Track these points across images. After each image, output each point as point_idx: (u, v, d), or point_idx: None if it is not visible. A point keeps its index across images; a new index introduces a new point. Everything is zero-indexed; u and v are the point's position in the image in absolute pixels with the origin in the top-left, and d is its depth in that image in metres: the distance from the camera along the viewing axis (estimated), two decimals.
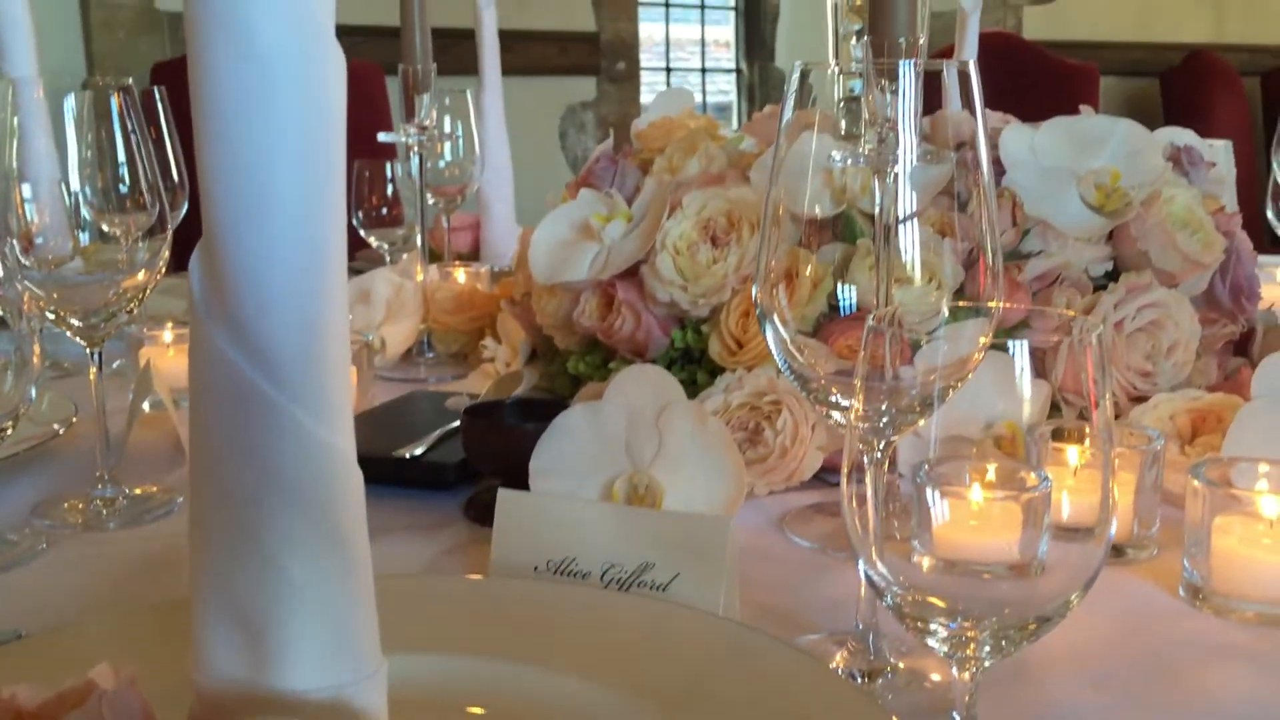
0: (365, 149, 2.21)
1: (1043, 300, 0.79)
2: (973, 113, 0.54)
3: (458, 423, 0.80)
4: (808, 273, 0.78)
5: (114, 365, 1.04)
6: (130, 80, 0.80)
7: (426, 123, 1.07)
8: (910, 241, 0.80)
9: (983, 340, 0.59)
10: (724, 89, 4.00)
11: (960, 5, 1.74)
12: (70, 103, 0.74)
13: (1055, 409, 0.82)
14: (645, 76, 3.42)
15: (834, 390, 0.55)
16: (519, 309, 0.97)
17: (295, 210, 0.33)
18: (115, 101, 0.74)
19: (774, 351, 0.56)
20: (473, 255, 1.76)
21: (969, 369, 0.58)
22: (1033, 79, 2.49)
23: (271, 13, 0.32)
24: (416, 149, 1.08)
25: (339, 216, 0.35)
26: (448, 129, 1.43)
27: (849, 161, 0.65)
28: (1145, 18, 4.16)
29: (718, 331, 0.82)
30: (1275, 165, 1.47)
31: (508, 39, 3.00)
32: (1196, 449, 0.73)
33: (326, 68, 0.34)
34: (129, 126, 0.74)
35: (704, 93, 3.96)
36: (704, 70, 3.91)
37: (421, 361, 1.11)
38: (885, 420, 0.53)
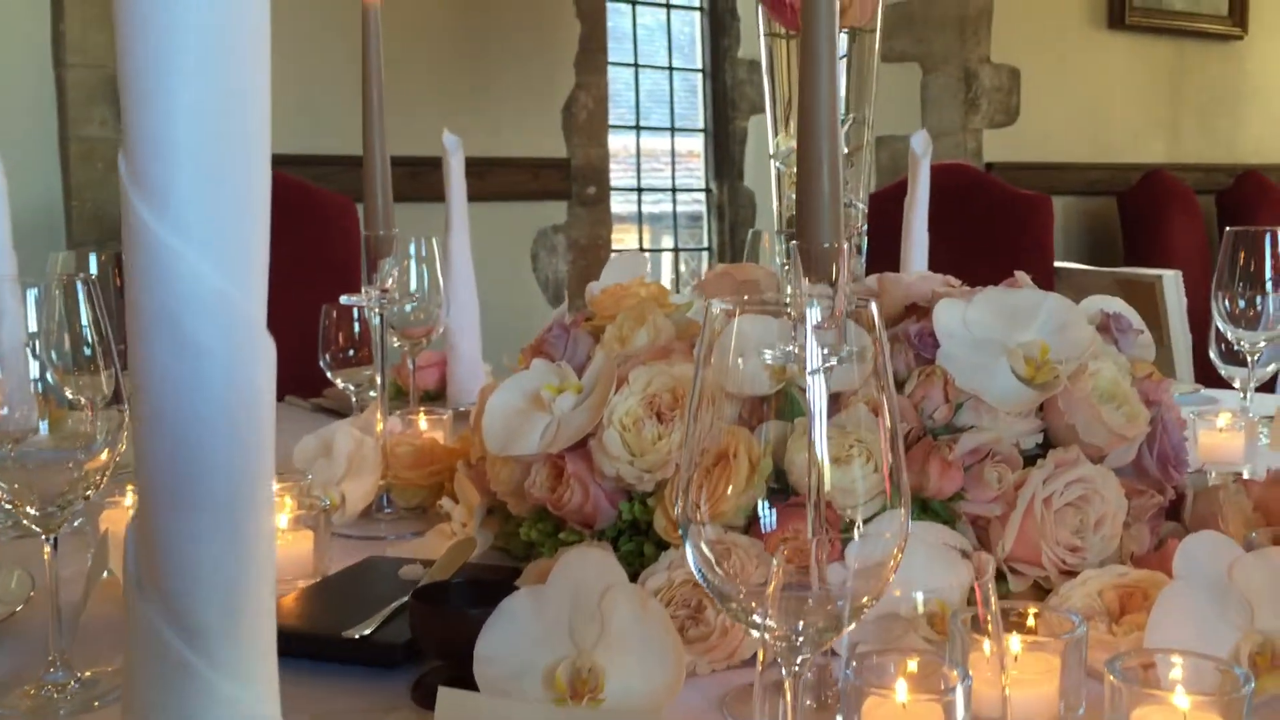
0: (337, 279, 2.25)
1: (974, 476, 0.82)
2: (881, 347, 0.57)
3: (421, 581, 0.82)
4: (744, 454, 0.81)
5: (75, 523, 1.06)
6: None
7: (388, 285, 1.11)
8: (847, 423, 0.83)
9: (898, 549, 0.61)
10: (698, 199, 4.10)
11: (911, 149, 1.81)
12: (34, 295, 0.76)
13: (1001, 578, 0.84)
14: (616, 197, 3.50)
15: (756, 606, 0.57)
16: (474, 471, 1.00)
17: (223, 495, 0.35)
18: (82, 291, 0.77)
19: (695, 563, 0.58)
20: (439, 393, 1.79)
21: (888, 572, 0.60)
22: (989, 209, 2.56)
23: (204, 311, 0.35)
24: (378, 310, 1.11)
25: (266, 491, 0.37)
26: (413, 285, 1.48)
27: (779, 361, 0.68)
28: (1102, 139, 4.29)
29: (663, 506, 0.84)
30: (1215, 310, 1.52)
31: (481, 165, 3.09)
32: (1123, 627, 0.75)
33: (255, 359, 0.37)
34: (96, 306, 0.77)
35: (674, 206, 4.05)
36: (674, 190, 4.00)
37: (381, 518, 1.13)
38: (802, 639, 0.55)
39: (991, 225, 2.54)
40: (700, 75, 3.98)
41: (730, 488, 0.80)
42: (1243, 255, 1.48)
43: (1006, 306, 0.93)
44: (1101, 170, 4.26)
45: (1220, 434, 1.31)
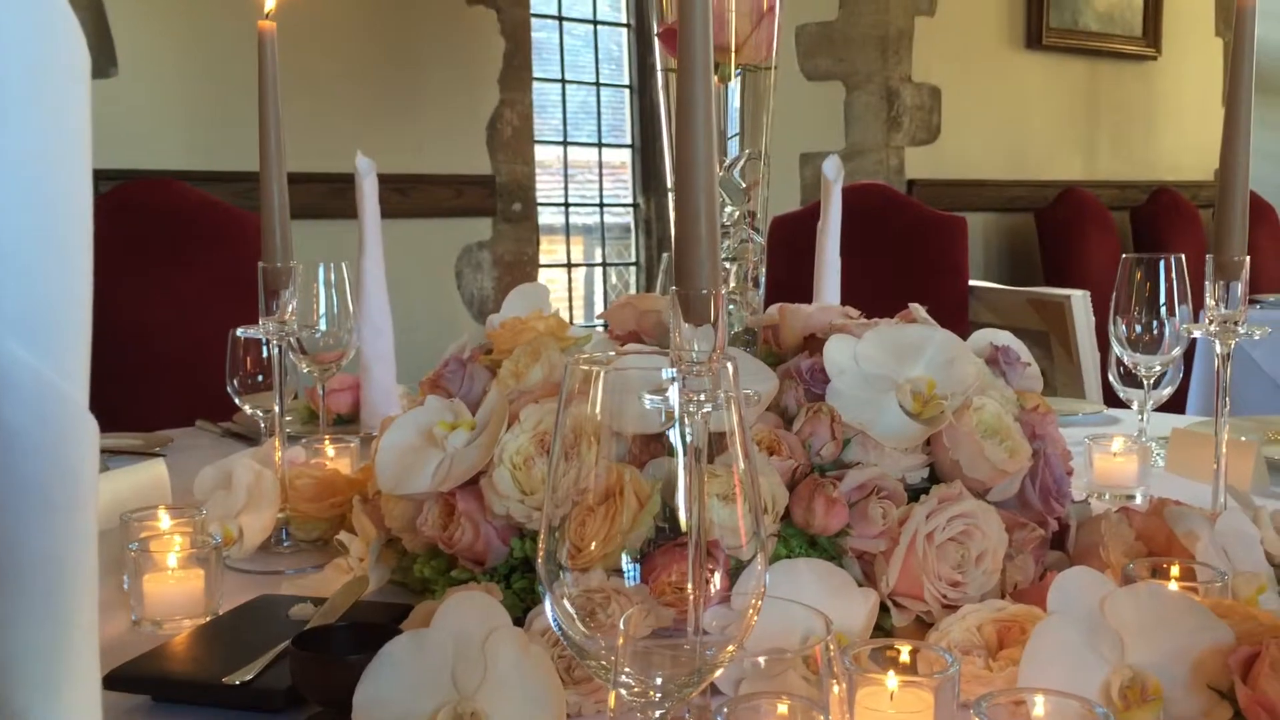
0: (248, 304, 2.21)
1: (860, 512, 0.84)
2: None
3: (306, 625, 0.81)
4: (632, 492, 0.81)
5: None
6: None
7: (286, 316, 1.10)
8: (736, 462, 0.83)
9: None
10: (626, 212, 4.12)
11: (824, 174, 1.84)
12: None
13: (885, 612, 0.86)
14: (544, 211, 3.49)
15: (627, 670, 0.57)
16: (370, 507, 0.99)
17: (41, 580, 0.35)
18: None
19: (555, 618, 0.58)
20: (352, 417, 1.77)
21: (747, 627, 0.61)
22: (906, 229, 2.60)
23: (18, 390, 0.35)
24: (276, 341, 1.10)
25: (87, 574, 0.37)
26: (322, 311, 1.47)
27: (656, 406, 0.68)
28: (1021, 156, 4.37)
29: (562, 537, 0.84)
30: (1112, 336, 1.55)
31: (405, 182, 3.08)
32: (1000, 663, 0.76)
33: (74, 441, 0.36)
34: None
35: (602, 218, 4.06)
36: (601, 205, 4.01)
37: (280, 551, 1.12)
38: (660, 695, 0.55)
39: (909, 245, 2.58)
40: (628, 91, 4.00)
41: (615, 527, 0.80)
42: (1139, 279, 1.52)
43: (896, 342, 0.95)
44: (1020, 187, 4.34)
45: (1115, 458, 1.35)
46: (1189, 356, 1.96)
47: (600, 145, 3.98)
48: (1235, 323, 1.03)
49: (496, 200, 3.21)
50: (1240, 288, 1.03)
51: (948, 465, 0.89)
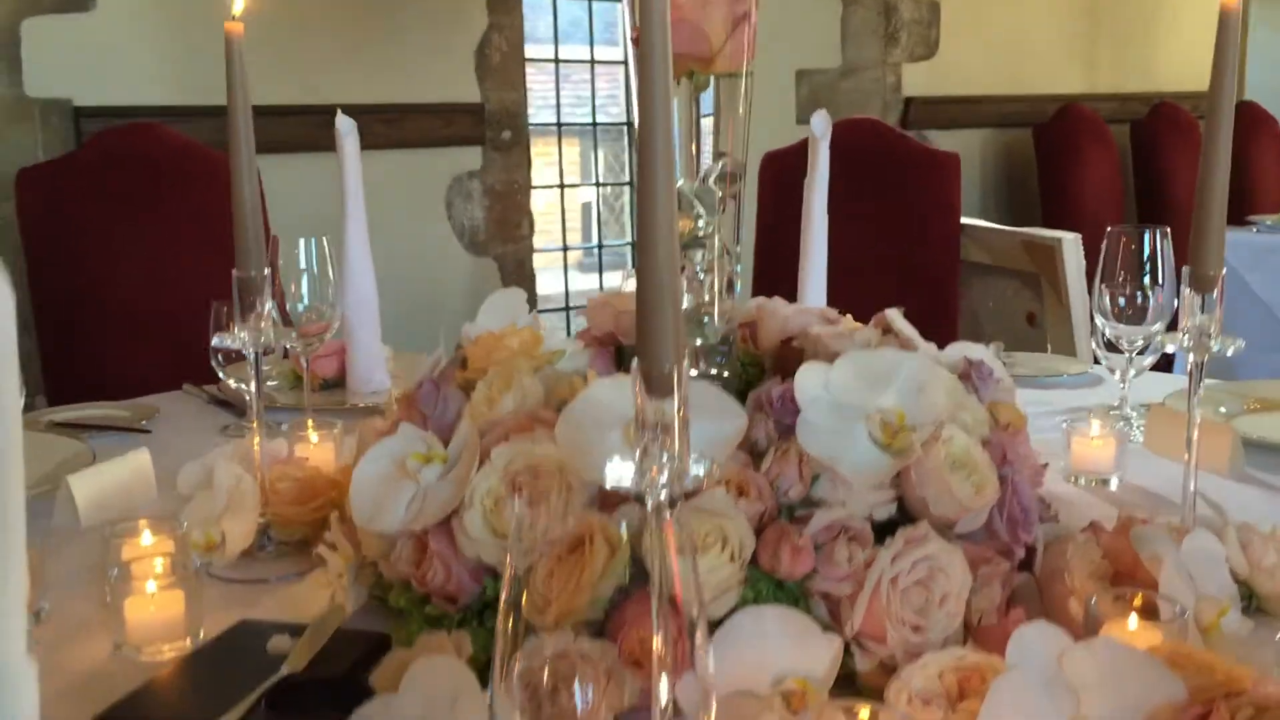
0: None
1: (825, 555, 0.85)
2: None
3: (278, 674, 0.83)
4: (601, 541, 0.82)
5: None
6: None
7: (261, 325, 1.10)
8: (704, 503, 0.84)
9: None
10: (619, 109, 4.07)
11: (811, 130, 1.81)
12: None
13: (849, 653, 0.87)
14: (536, 117, 3.43)
15: None
16: (347, 527, 1.00)
17: None
18: None
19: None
20: (339, 381, 1.78)
21: None
22: (899, 167, 2.57)
23: None
24: (253, 350, 1.10)
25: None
26: (305, 286, 1.46)
27: (618, 486, 0.68)
28: (1020, 71, 4.30)
29: (527, 588, 0.85)
30: (1096, 309, 1.55)
31: (393, 112, 3.03)
32: (959, 715, 0.78)
33: None
34: None
35: (595, 142, 4.01)
36: (594, 125, 3.96)
37: (262, 557, 1.13)
38: None
39: (901, 181, 2.56)
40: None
41: (585, 577, 0.81)
42: (1124, 251, 1.51)
43: (868, 369, 0.95)
44: (1019, 102, 4.28)
45: (1092, 442, 1.35)
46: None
47: (592, 52, 3.90)
48: (1209, 335, 1.03)
49: (486, 128, 3.16)
50: (1216, 300, 1.02)
51: (915, 501, 0.89)
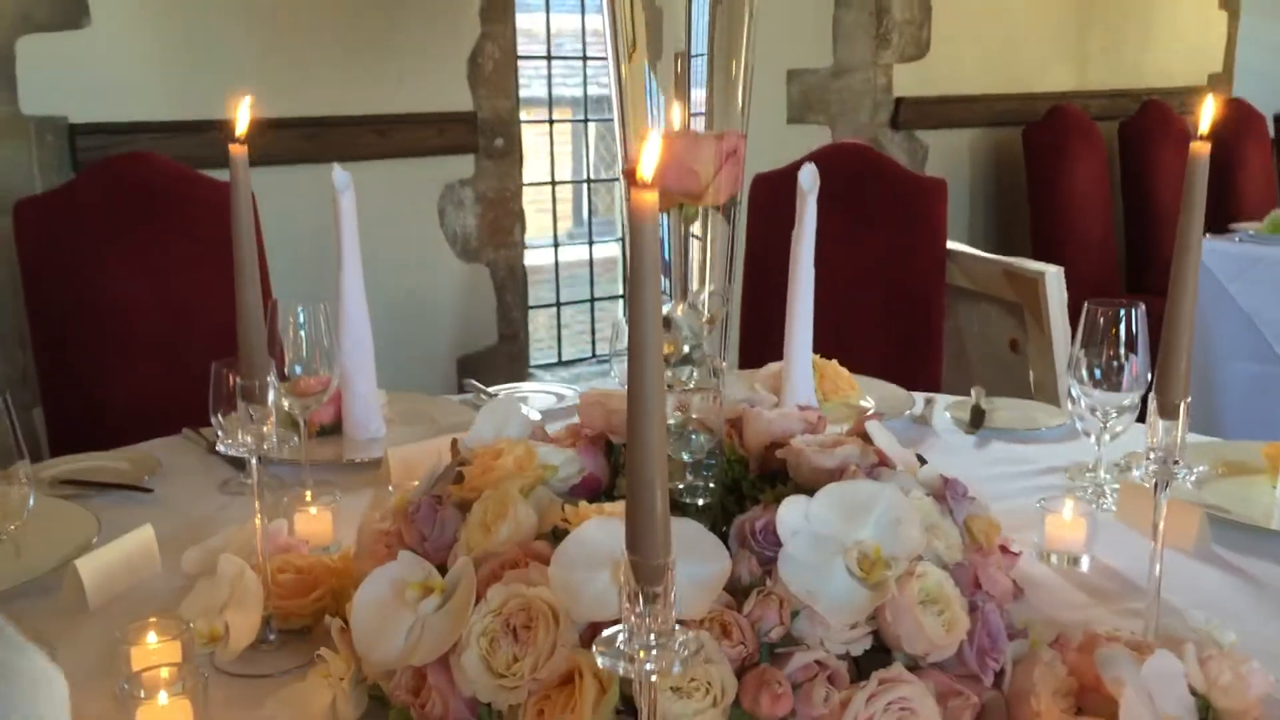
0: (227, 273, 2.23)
1: (804, 695, 0.90)
2: None
3: None
4: (590, 679, 0.87)
5: None
6: None
7: (265, 429, 1.14)
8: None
9: None
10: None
11: (799, 184, 1.84)
12: None
13: None
14: (527, 133, 3.44)
15: None
16: (348, 635, 1.05)
17: None
18: None
19: None
20: (335, 427, 1.82)
21: None
22: (886, 192, 2.60)
23: None
24: (255, 455, 1.14)
25: None
26: (303, 352, 1.50)
27: (612, 667, 0.73)
28: (1011, 70, 4.32)
29: (527, 714, 0.90)
30: (1071, 378, 1.59)
31: (385, 123, 3.05)
32: None
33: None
34: None
35: (586, 136, 4.03)
36: (586, 120, 3.97)
37: (265, 649, 1.17)
38: None
39: (888, 207, 2.59)
40: None
41: (575, 714, 0.86)
42: (1102, 326, 1.55)
43: (846, 501, 0.99)
44: (1010, 101, 4.30)
45: (1064, 523, 1.40)
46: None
47: (585, 57, 3.91)
48: (1174, 459, 1.07)
49: (479, 137, 3.18)
50: (1180, 427, 1.06)
51: (890, 635, 0.94)
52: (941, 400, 1.98)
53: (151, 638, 1.09)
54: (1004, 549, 1.21)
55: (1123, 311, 1.55)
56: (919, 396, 1.97)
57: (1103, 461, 1.62)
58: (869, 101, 4.01)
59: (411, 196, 3.12)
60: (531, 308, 3.58)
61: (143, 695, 1.01)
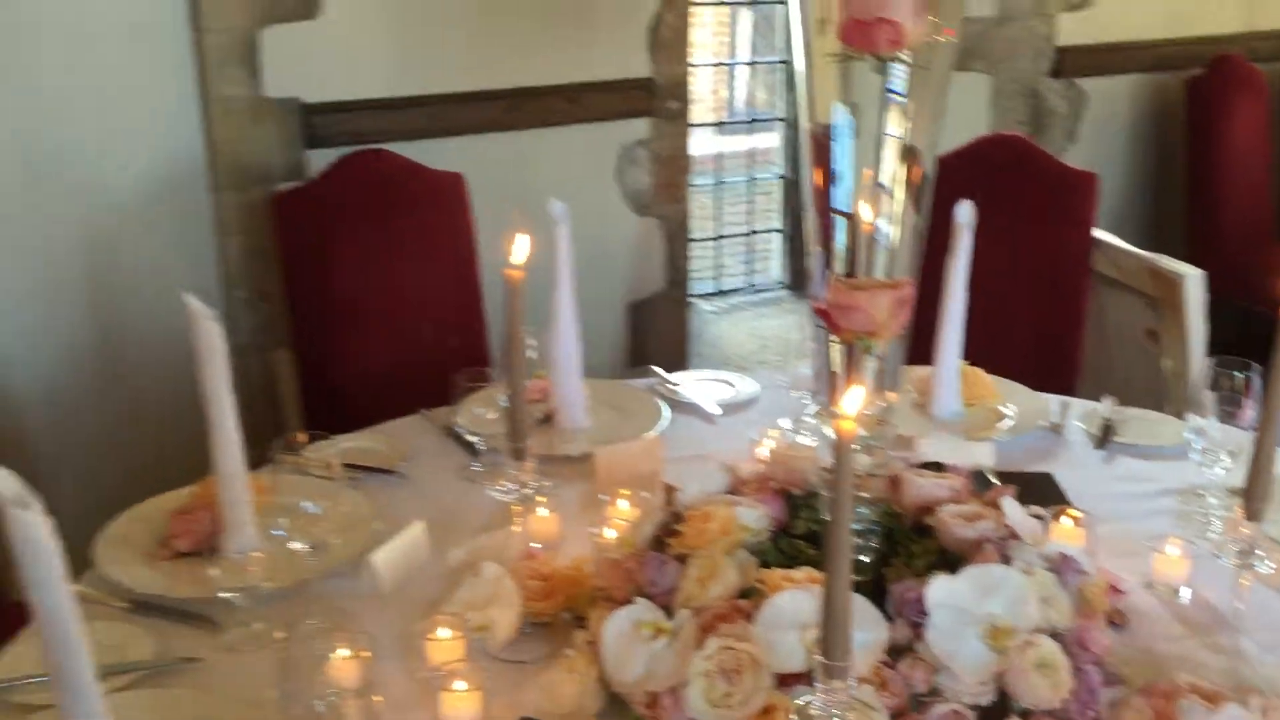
0: (452, 255, 2.60)
1: None
2: None
3: None
4: (783, 714, 1.19)
5: None
6: None
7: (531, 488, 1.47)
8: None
9: None
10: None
11: (956, 219, 2.08)
12: None
13: None
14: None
15: None
16: (588, 650, 1.38)
17: None
18: None
19: None
20: (546, 418, 2.15)
21: None
22: (1035, 186, 2.79)
23: None
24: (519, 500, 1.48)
25: None
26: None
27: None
28: (1176, 14, 4.32)
29: None
30: (1191, 429, 1.81)
31: (575, 91, 3.33)
32: None
33: None
34: None
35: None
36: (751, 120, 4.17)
37: (521, 638, 1.52)
38: None
39: (1039, 197, 2.77)
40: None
41: None
42: (1224, 382, 1.76)
43: (981, 582, 1.28)
44: (1173, 46, 4.31)
45: (1170, 560, 1.66)
46: None
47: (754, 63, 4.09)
48: (1257, 551, 1.33)
49: (655, 100, 3.43)
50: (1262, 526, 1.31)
51: (1009, 691, 1.24)
52: (1076, 408, 2.21)
53: (443, 633, 1.45)
54: (1113, 588, 1.49)
55: (1242, 373, 1.76)
56: (1054, 402, 2.21)
57: (1214, 490, 1.84)
58: (1029, 50, 4.09)
59: (594, 157, 3.41)
60: (691, 240, 3.84)
61: (443, 684, 1.37)
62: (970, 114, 4.03)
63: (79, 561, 1.56)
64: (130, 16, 2.67)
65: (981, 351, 2.21)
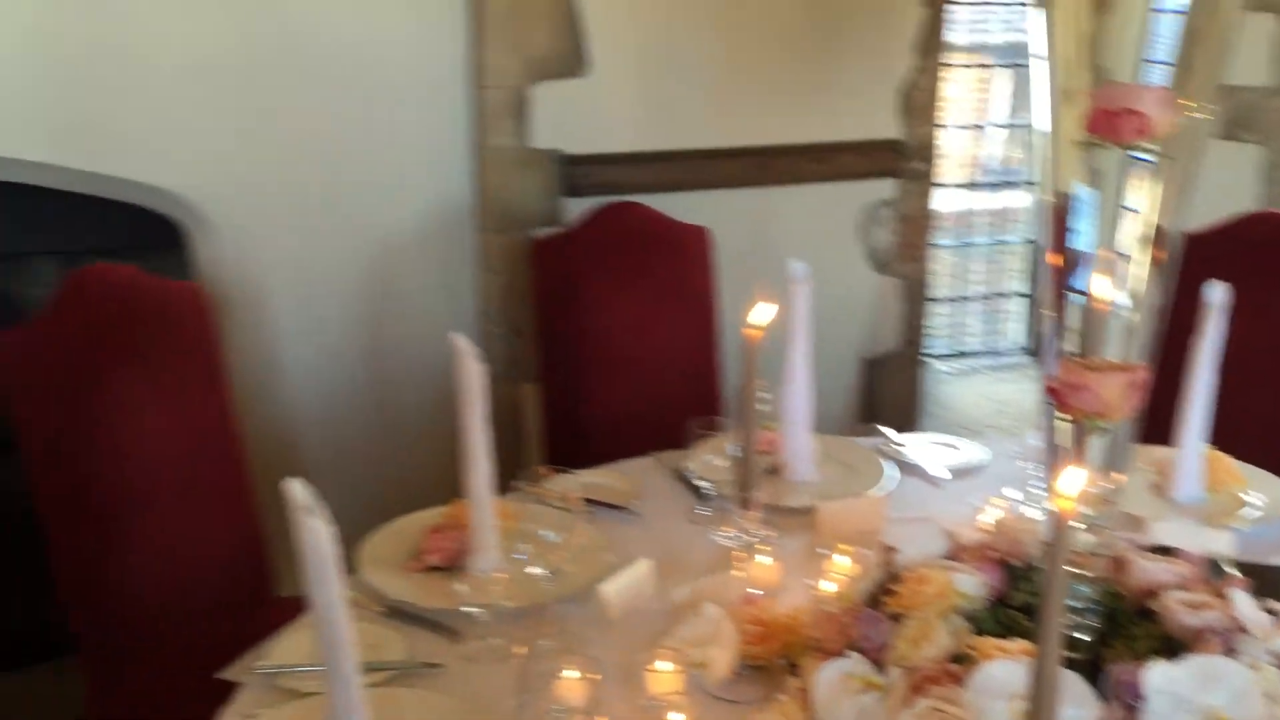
0: (698, 306, 2.72)
1: None
2: None
3: None
4: None
5: None
6: None
7: (754, 536, 1.55)
8: None
9: None
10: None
11: (1207, 300, 2.04)
12: None
13: None
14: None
15: None
16: (801, 693, 1.45)
17: None
18: None
19: None
20: (773, 469, 2.23)
21: None
22: None
23: None
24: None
25: None
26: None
27: None
28: None
29: None
30: None
31: (820, 150, 3.41)
32: None
33: None
34: None
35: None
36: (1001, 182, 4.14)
37: (736, 678, 1.60)
38: None
39: None
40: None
41: None
42: None
43: (1204, 672, 1.28)
44: None
45: None
46: None
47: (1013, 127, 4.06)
48: None
49: (901, 161, 3.47)
50: None
51: None
52: None
53: (664, 665, 1.54)
54: None
55: None
56: None
57: None
58: None
59: (836, 214, 3.47)
60: (930, 299, 3.84)
61: (661, 714, 1.46)
62: (1236, 186, 3.87)
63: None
64: (423, 76, 2.93)
65: (1228, 434, 2.15)
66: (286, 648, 1.66)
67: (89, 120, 2.66)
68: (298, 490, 1.36)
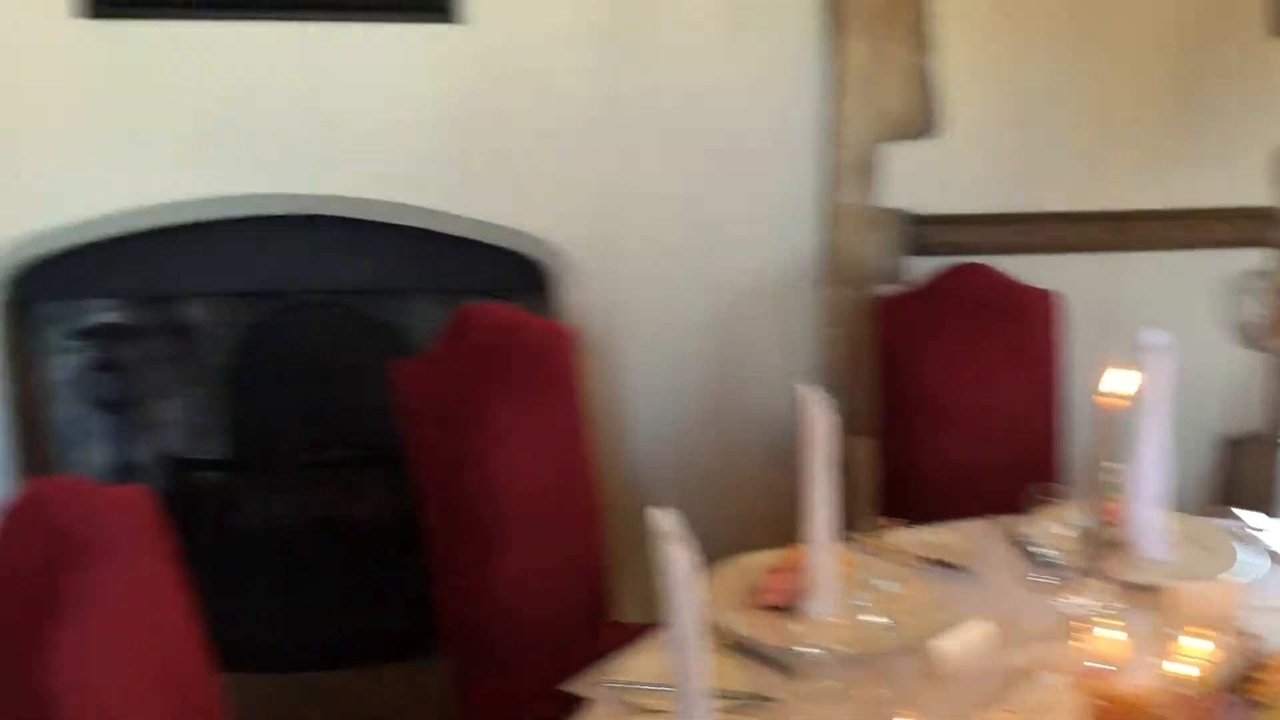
0: (1041, 373, 2.68)
1: None
2: None
3: None
4: None
5: None
6: None
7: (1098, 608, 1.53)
8: None
9: None
10: None
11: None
12: None
13: None
14: None
15: None
16: None
17: None
18: None
19: None
20: (1113, 542, 2.16)
21: None
22: None
23: None
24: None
25: None
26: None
27: None
28: None
29: None
30: None
31: (1181, 217, 3.28)
32: None
33: None
34: None
35: None
36: None
37: None
38: None
39: None
40: None
41: None
42: None
43: None
44: None
45: None
46: None
47: None
48: None
49: (1275, 232, 3.27)
50: None
51: None
52: None
53: None
54: None
55: None
56: None
57: None
58: None
59: (1194, 284, 3.31)
60: None
61: None
62: None
63: None
64: (776, 133, 3.06)
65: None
66: (632, 666, 1.79)
67: (481, 173, 2.96)
68: (663, 519, 1.48)
